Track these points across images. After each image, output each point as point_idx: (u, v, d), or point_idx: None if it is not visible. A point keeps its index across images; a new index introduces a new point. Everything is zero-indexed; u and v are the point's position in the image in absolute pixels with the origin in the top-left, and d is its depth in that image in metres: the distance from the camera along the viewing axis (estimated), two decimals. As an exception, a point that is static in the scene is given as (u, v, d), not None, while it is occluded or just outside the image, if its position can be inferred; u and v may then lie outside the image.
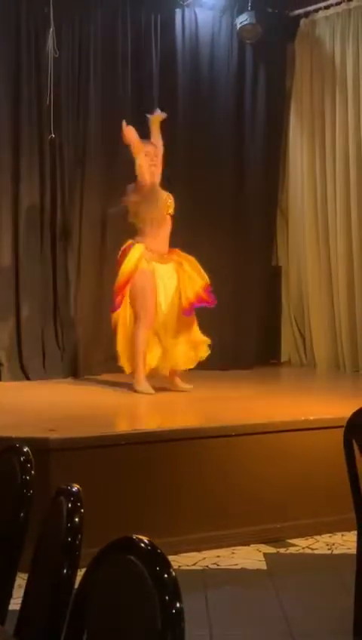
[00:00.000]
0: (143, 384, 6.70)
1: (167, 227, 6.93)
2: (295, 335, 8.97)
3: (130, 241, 6.86)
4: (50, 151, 7.77)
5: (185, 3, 8.41)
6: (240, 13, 8.44)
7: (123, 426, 6.03)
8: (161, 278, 6.78)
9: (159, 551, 1.60)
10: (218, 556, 4.95)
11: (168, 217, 6.94)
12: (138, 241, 6.82)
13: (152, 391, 6.65)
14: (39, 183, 7.75)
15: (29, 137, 7.70)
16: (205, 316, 8.40)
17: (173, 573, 1.55)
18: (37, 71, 7.70)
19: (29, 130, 7.70)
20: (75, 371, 7.75)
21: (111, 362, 7.22)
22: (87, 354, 7.82)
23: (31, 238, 7.73)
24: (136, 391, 6.69)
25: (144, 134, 8.26)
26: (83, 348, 7.81)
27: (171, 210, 6.97)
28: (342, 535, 5.28)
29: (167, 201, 6.93)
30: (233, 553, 5.02)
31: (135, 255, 6.73)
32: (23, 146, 7.66)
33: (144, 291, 6.70)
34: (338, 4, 8.44)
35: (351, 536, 4.81)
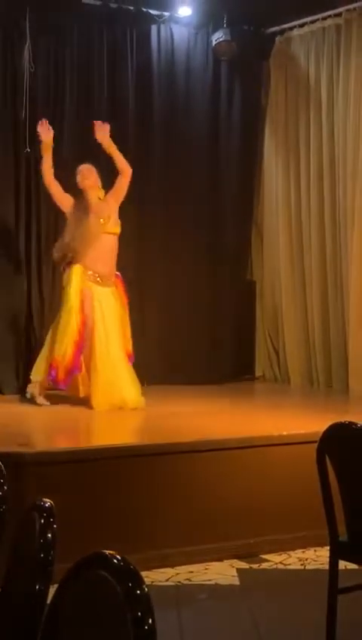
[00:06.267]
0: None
1: (104, 246, 6.81)
2: (269, 350, 9.00)
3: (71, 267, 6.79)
4: (25, 165, 7.77)
5: (161, 19, 8.45)
6: (215, 30, 8.49)
7: (96, 441, 6.02)
8: (99, 300, 6.75)
9: (132, 567, 1.60)
10: (191, 572, 4.94)
11: (106, 236, 6.82)
12: (75, 261, 6.76)
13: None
14: (14, 197, 7.75)
15: (4, 151, 7.71)
16: (179, 330, 8.44)
17: (146, 590, 1.55)
18: (13, 85, 7.71)
19: (4, 144, 7.70)
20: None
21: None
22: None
23: (6, 251, 7.72)
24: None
25: (119, 150, 8.30)
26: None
27: (111, 230, 6.86)
28: (315, 550, 5.29)
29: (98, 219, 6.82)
30: (206, 569, 5.01)
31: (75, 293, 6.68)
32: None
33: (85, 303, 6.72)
34: (312, 22, 8.52)
35: (324, 552, 4.82)
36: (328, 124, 8.33)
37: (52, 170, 6.94)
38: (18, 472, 4.50)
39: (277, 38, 8.88)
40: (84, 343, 6.64)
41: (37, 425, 6.37)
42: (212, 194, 8.73)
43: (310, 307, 8.54)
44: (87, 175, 6.88)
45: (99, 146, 7.99)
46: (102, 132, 6.90)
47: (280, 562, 5.16)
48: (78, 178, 6.89)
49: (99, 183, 6.95)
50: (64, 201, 6.93)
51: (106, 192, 6.94)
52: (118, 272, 6.94)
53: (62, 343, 6.57)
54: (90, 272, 6.72)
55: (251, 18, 8.73)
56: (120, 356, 6.73)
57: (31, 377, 6.94)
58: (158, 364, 8.36)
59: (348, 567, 3.99)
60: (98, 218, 6.78)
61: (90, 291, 6.71)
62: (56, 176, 7.83)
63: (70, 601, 1.72)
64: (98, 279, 6.75)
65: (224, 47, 8.44)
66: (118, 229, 6.90)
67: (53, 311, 7.76)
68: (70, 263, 6.76)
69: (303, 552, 5.30)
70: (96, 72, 8.12)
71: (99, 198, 6.91)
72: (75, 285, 6.65)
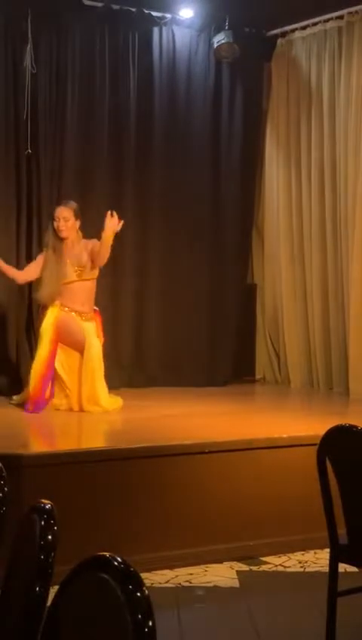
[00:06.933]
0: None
1: (82, 290, 6.84)
2: (269, 352, 9.00)
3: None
4: (26, 166, 7.77)
5: (163, 21, 8.45)
6: (217, 32, 8.49)
7: (96, 443, 6.01)
8: (85, 329, 6.78)
9: (132, 569, 1.60)
10: (191, 574, 4.94)
11: (79, 283, 6.82)
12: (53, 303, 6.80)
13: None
14: (15, 199, 7.74)
15: (5, 152, 7.70)
16: (180, 332, 8.44)
17: (146, 592, 1.55)
18: (14, 86, 7.71)
19: (5, 145, 7.70)
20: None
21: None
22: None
23: (7, 253, 7.71)
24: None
25: (120, 151, 8.30)
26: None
27: (87, 277, 6.85)
28: (315, 553, 5.29)
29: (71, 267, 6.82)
30: (206, 571, 5.01)
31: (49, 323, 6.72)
32: (-1, 160, 7.67)
33: (69, 327, 6.74)
34: (314, 24, 8.52)
35: (324, 554, 4.83)
36: (329, 127, 8.33)
37: (14, 270, 6.94)
38: (16, 474, 4.50)
39: (279, 41, 8.88)
40: (51, 375, 6.71)
41: (33, 427, 6.35)
42: (213, 195, 8.73)
43: (310, 309, 8.54)
44: (62, 228, 6.80)
45: (99, 146, 8.02)
46: (113, 225, 6.68)
47: (280, 564, 5.16)
48: (55, 225, 6.85)
49: (77, 226, 6.88)
50: (38, 269, 6.89)
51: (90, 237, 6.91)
52: (96, 308, 6.99)
53: (32, 378, 6.65)
54: (66, 309, 6.78)
55: (253, 20, 8.72)
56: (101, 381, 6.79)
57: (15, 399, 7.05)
58: (158, 365, 8.37)
59: (348, 570, 3.99)
60: (74, 266, 6.81)
61: (74, 320, 6.77)
62: (57, 177, 7.87)
63: (70, 603, 1.72)
64: (75, 315, 6.80)
65: (226, 49, 8.44)
66: (95, 274, 6.91)
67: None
68: (45, 307, 6.87)
69: (303, 554, 5.30)
70: (97, 74, 8.12)
71: (79, 236, 6.89)
72: (49, 322, 6.72)
